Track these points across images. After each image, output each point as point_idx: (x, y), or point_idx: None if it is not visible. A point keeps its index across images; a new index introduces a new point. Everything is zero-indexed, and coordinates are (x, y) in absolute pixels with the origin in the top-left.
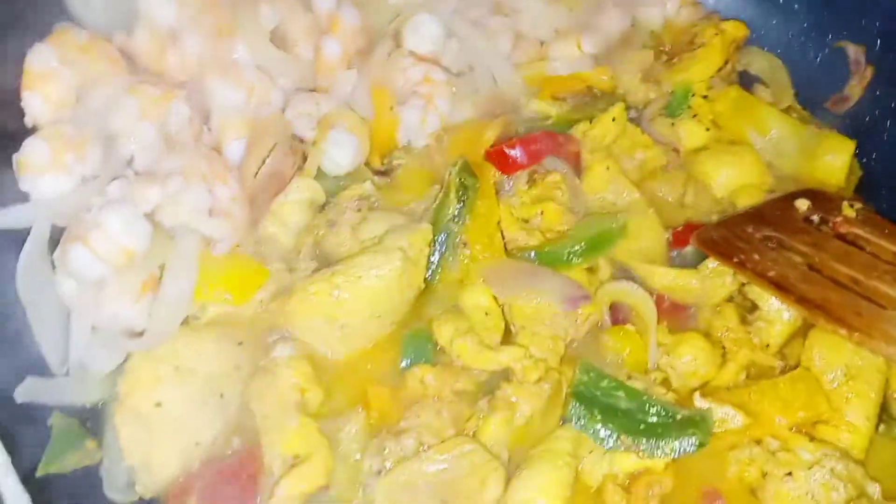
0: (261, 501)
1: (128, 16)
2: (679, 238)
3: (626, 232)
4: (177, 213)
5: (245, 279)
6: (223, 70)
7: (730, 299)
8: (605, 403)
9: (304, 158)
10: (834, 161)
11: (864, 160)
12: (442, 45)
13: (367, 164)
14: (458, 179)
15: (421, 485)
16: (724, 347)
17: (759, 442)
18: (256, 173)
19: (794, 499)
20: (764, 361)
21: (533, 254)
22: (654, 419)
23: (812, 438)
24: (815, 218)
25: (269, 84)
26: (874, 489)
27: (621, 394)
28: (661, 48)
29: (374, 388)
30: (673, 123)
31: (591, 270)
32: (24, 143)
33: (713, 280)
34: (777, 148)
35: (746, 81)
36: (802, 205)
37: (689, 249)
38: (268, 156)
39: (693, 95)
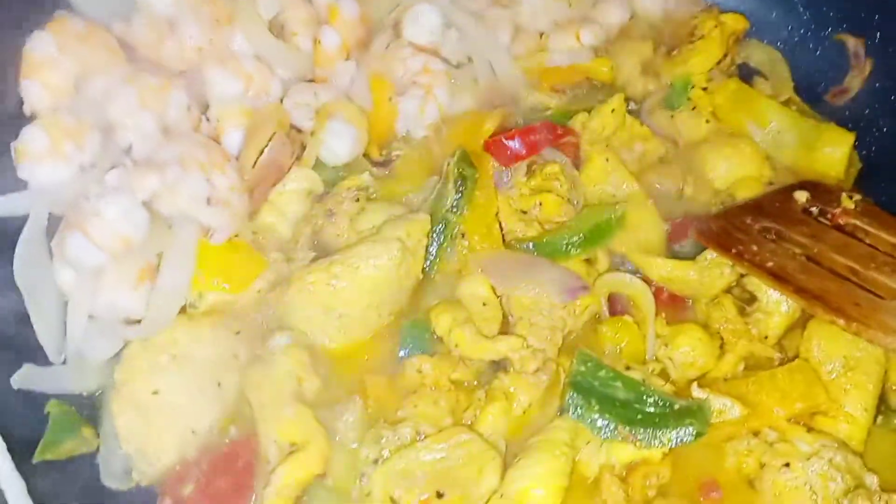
0: (257, 489)
1: (126, 5)
2: (678, 230)
3: (624, 223)
4: (175, 201)
5: (243, 268)
6: (222, 60)
7: (728, 291)
8: (603, 393)
9: (303, 148)
10: (833, 153)
11: (864, 152)
12: (441, 35)
13: (365, 154)
14: (456, 170)
15: (418, 474)
16: (722, 339)
17: (757, 433)
18: (255, 163)
19: (791, 490)
20: (762, 353)
21: (531, 245)
22: (652, 409)
23: (810, 429)
24: (814, 209)
25: (268, 74)
26: (872, 480)
27: (619, 384)
28: (661, 40)
29: (372, 377)
30: (672, 115)
31: (590, 262)
32: (22, 131)
33: (711, 271)
34: (776, 140)
35: (746, 74)
36: (801, 196)
37: (688, 241)
38: (266, 145)
39: (692, 87)
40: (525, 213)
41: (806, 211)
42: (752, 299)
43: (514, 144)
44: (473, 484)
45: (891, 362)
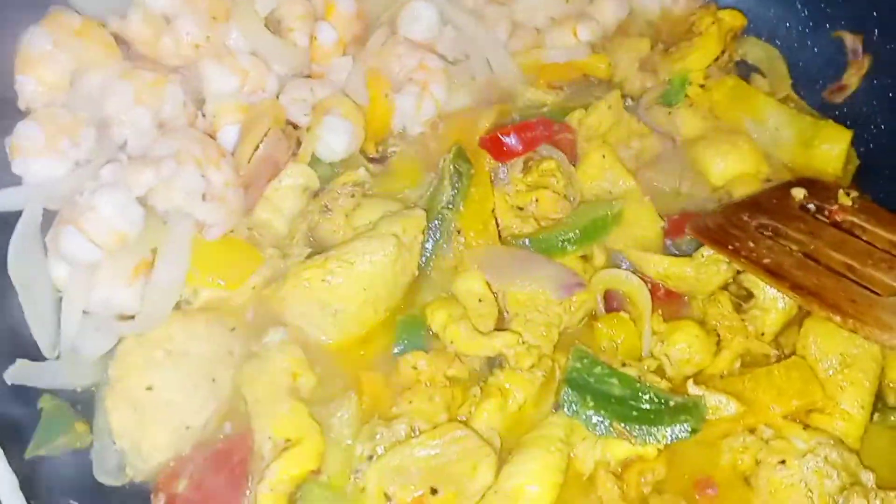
0: (251, 485)
1: (123, 0)
2: (675, 226)
3: (621, 220)
4: (170, 197)
5: (238, 264)
6: (218, 55)
7: (725, 287)
8: (598, 390)
9: (299, 144)
10: (831, 150)
11: (862, 149)
12: (438, 32)
13: (361, 151)
14: (452, 166)
15: (412, 470)
16: (718, 335)
17: (752, 430)
18: (250, 159)
19: (787, 487)
20: (759, 349)
21: (527, 241)
22: (647, 406)
23: (806, 427)
24: (812, 206)
25: (264, 70)
26: (868, 477)
27: (615, 381)
28: (659, 37)
29: (367, 373)
30: (670, 112)
31: (586, 258)
32: (17, 127)
33: (708, 268)
34: (774, 137)
35: (744, 71)
36: (798, 193)
37: (685, 238)
38: (262, 141)
39: (690, 84)
40: (521, 209)
41: (803, 208)
42: (748, 296)
43: (511, 141)
44: (468, 480)
45: (887, 359)
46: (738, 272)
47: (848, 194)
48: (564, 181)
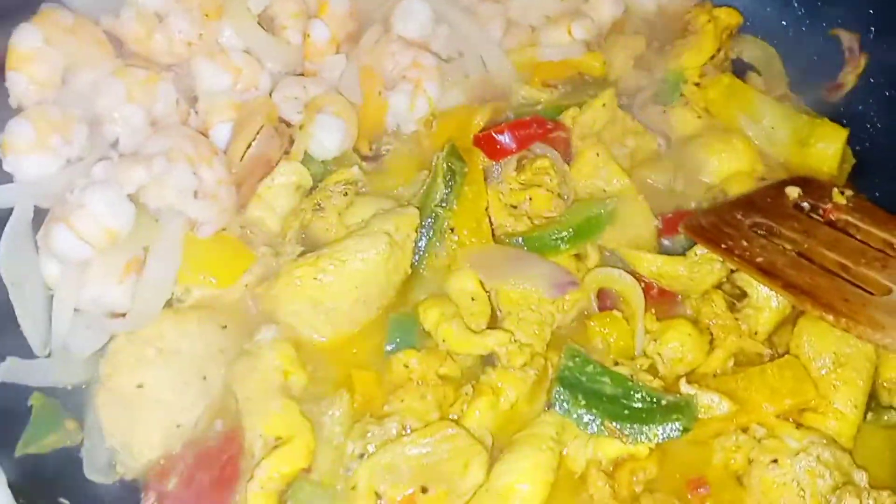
0: (242, 483)
1: None
2: (669, 225)
3: (614, 218)
4: (161, 194)
5: (230, 262)
6: (210, 53)
7: (718, 286)
8: (590, 389)
9: (291, 142)
10: (827, 149)
11: (858, 148)
12: (432, 30)
13: (355, 149)
14: (445, 164)
15: (403, 468)
16: (711, 334)
17: (745, 429)
18: (243, 156)
19: (779, 486)
20: (752, 349)
21: (521, 239)
22: (639, 405)
23: (799, 426)
24: (806, 205)
25: (257, 67)
26: (861, 476)
27: (606, 379)
28: (654, 35)
29: (359, 371)
30: (664, 110)
31: (580, 257)
32: (8, 124)
33: (702, 267)
34: (769, 135)
35: (740, 69)
36: (793, 192)
37: (678, 237)
38: (254, 139)
39: (685, 82)
40: (515, 207)
41: (797, 206)
42: (742, 295)
43: (505, 139)
44: (459, 478)
45: (881, 359)
46: (732, 271)
47: (842, 193)
48: (558, 179)
